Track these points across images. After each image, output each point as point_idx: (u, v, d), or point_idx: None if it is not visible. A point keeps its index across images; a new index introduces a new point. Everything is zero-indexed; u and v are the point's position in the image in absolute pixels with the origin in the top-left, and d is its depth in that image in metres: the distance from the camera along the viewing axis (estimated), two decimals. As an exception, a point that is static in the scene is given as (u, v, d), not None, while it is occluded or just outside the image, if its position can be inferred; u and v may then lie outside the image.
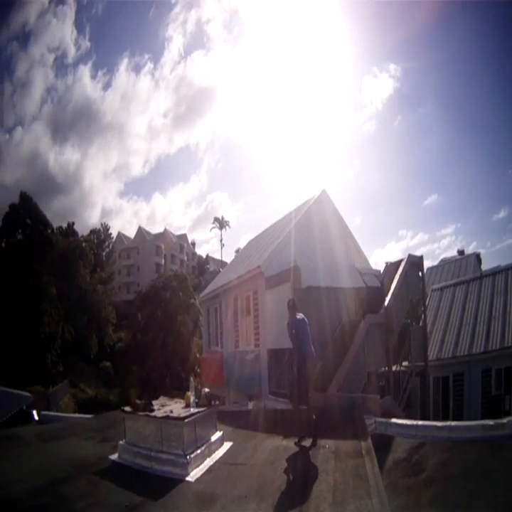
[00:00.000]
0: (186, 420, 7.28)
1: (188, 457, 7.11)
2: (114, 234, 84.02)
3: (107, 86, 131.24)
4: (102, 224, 75.01)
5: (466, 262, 31.14)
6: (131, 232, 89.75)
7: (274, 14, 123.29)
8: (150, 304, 47.64)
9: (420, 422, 8.09)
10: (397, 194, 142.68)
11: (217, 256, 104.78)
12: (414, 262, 18.50)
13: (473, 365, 18.99)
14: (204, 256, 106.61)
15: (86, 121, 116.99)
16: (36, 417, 12.81)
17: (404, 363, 17.93)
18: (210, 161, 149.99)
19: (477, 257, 32.70)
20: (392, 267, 18.45)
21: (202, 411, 7.93)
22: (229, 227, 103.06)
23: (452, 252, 46.88)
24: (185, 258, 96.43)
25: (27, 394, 14.09)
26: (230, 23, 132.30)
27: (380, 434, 8.34)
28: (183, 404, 8.41)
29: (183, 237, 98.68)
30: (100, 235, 70.11)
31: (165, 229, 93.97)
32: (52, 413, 14.46)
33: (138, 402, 8.33)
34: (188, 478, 6.82)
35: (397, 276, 16.79)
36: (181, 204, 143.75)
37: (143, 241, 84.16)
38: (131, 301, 55.67)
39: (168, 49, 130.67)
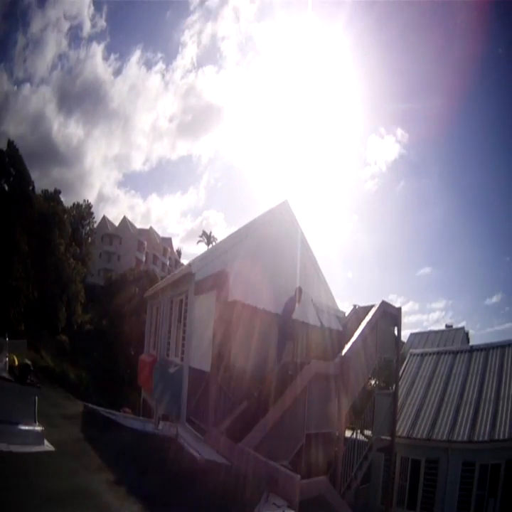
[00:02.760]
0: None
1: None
2: (99, 216, 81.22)
3: (117, 72, 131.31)
4: (84, 200, 71.67)
5: (453, 335, 28.57)
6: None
7: (288, 51, 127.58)
8: (118, 294, 47.20)
9: None
10: (392, 258, 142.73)
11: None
12: (390, 313, 15.63)
13: (452, 454, 15.77)
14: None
15: (93, 101, 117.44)
16: None
17: (368, 432, 14.76)
18: (210, 178, 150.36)
19: (466, 334, 30.10)
20: (360, 312, 15.62)
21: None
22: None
23: (440, 327, 44.24)
24: (168, 263, 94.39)
25: None
26: (244, 47, 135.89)
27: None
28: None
29: (168, 240, 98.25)
30: (81, 211, 67.47)
31: (150, 227, 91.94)
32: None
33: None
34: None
35: (364, 323, 13.96)
36: (177, 212, 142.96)
37: (126, 232, 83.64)
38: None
39: (182, 54, 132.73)
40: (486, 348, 19.71)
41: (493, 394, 17.04)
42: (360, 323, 14.13)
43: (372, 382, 15.70)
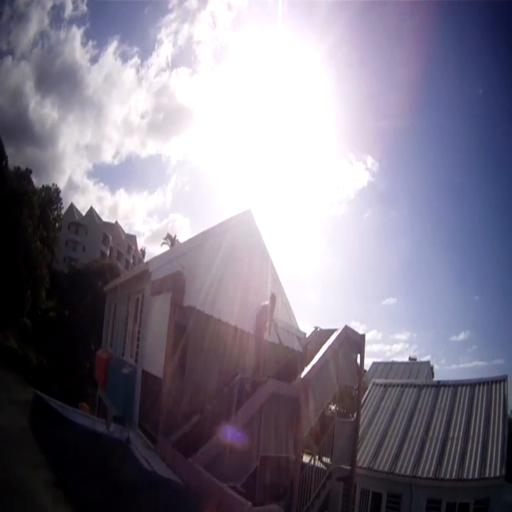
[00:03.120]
0: None
1: None
2: (67, 203, 79.63)
3: (94, 60, 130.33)
4: (53, 184, 68.81)
5: (418, 368, 28.30)
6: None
7: (262, 64, 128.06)
8: (81, 285, 47.65)
9: None
10: (357, 284, 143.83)
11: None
12: (353, 340, 15.40)
13: (416, 490, 15.39)
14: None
15: (70, 85, 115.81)
16: None
17: (327, 459, 14.23)
18: (177, 181, 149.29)
19: (431, 368, 29.99)
20: (322, 335, 15.36)
21: None
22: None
23: (404, 359, 43.93)
24: (132, 261, 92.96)
25: None
26: (219, 54, 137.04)
27: None
28: None
29: (133, 238, 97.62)
30: (50, 195, 65.92)
31: (116, 221, 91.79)
32: None
33: None
34: None
35: (325, 347, 13.68)
36: (143, 211, 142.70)
37: (92, 223, 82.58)
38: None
39: (157, 52, 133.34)
40: (455, 385, 19.57)
41: (462, 432, 16.84)
42: (321, 346, 13.88)
43: (332, 407, 15.21)
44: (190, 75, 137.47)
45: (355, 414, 16.29)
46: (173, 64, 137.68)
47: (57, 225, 64.08)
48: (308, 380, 12.16)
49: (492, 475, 14.42)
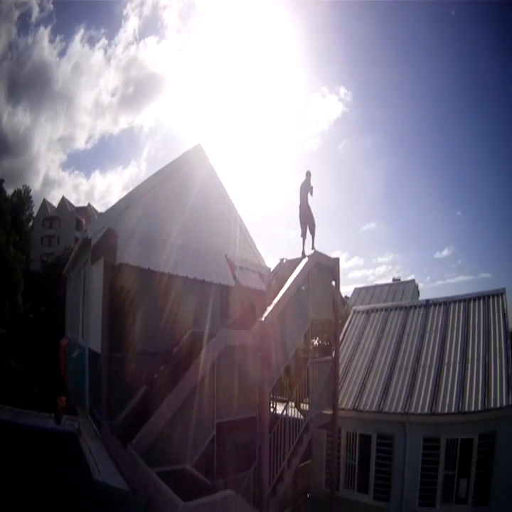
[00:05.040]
0: None
1: None
2: (37, 200, 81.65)
3: (62, 53, 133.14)
4: (23, 186, 71.46)
5: (402, 289, 27.04)
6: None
7: (230, 14, 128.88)
8: (55, 277, 46.00)
9: None
10: (335, 215, 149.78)
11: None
12: (324, 265, 13.62)
13: (411, 428, 13.97)
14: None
15: (40, 86, 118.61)
16: None
17: (305, 406, 12.69)
18: (150, 149, 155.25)
19: (416, 287, 28.78)
20: (287, 266, 13.60)
21: None
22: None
23: (387, 281, 43.69)
24: None
25: None
26: (185, 15, 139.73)
27: None
28: None
29: None
30: (21, 198, 66.74)
31: (88, 204, 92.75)
32: None
33: None
34: None
35: (290, 280, 11.81)
36: (119, 187, 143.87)
37: (64, 212, 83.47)
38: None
39: (124, 28, 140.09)
40: (447, 302, 18.01)
41: (459, 356, 15.31)
42: (285, 280, 12.04)
43: (315, 342, 13.50)
44: (158, 43, 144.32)
45: (332, 353, 14.67)
46: (141, 35, 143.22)
47: (29, 224, 65.41)
48: (269, 323, 10.37)
49: (498, 405, 12.93)
